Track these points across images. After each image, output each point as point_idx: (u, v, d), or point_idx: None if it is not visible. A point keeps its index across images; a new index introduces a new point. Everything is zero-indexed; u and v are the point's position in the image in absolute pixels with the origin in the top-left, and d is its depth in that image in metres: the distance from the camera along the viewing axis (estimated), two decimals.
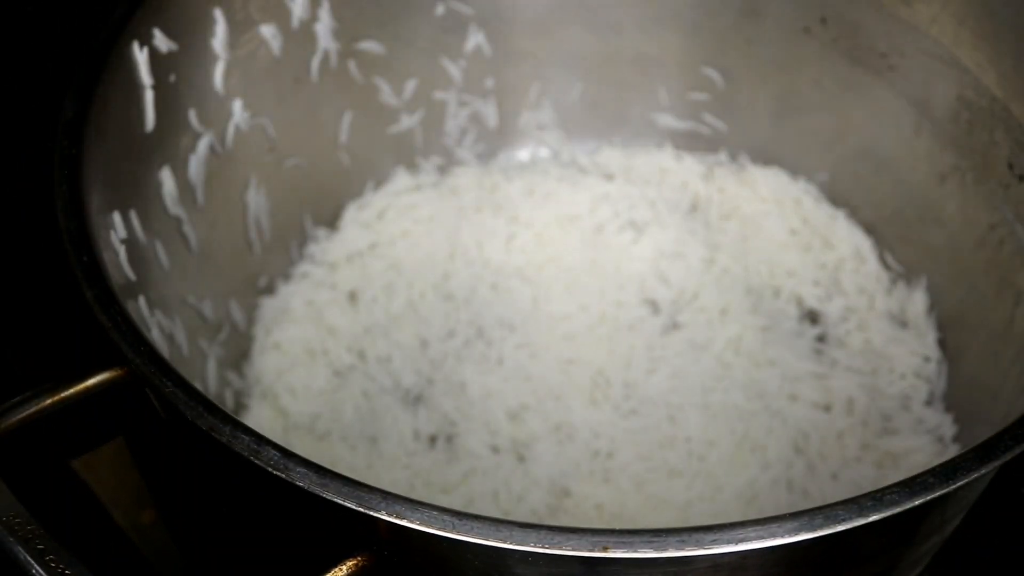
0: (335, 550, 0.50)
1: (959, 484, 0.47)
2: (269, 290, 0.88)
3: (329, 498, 0.47)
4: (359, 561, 0.49)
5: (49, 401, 0.55)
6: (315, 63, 0.84)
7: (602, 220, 0.90)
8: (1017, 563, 0.75)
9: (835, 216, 0.91)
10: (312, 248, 0.90)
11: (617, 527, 0.48)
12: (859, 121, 0.87)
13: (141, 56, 0.69)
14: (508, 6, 0.89)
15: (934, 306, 0.85)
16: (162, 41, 0.70)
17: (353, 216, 0.92)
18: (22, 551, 0.49)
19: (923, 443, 0.78)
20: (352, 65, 0.86)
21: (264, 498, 0.53)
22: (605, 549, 0.45)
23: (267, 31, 0.79)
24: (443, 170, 0.95)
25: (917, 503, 0.47)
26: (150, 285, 0.69)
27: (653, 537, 0.45)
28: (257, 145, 0.82)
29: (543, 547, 0.45)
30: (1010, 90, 0.74)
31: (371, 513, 0.46)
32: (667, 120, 0.95)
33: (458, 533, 0.46)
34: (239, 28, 0.77)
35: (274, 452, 0.49)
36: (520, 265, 0.88)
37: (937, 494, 0.47)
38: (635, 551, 0.45)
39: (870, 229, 0.90)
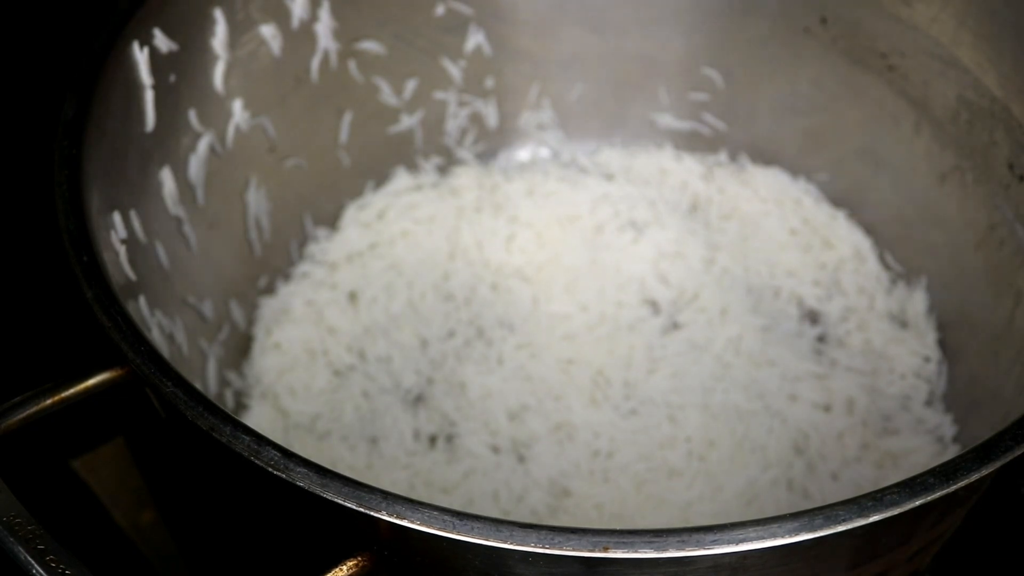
0: (335, 550, 0.50)
1: (959, 484, 0.47)
2: (269, 290, 0.88)
3: (329, 498, 0.47)
4: (359, 561, 0.49)
5: (49, 401, 0.54)
6: (315, 63, 0.84)
7: (602, 220, 0.90)
8: (1017, 563, 0.75)
9: (835, 216, 0.91)
10: (312, 248, 0.90)
11: (617, 527, 0.48)
12: (859, 121, 0.87)
13: (141, 56, 0.69)
14: (508, 6, 0.89)
15: (934, 306, 0.85)
16: (162, 41, 0.70)
17: (353, 216, 0.92)
18: (22, 551, 0.49)
19: (923, 443, 0.78)
20: (352, 65, 0.86)
21: (264, 498, 0.53)
22: (605, 549, 0.45)
23: (267, 31, 0.79)
24: (443, 170, 0.95)
25: (917, 503, 0.47)
26: (150, 285, 0.69)
27: (653, 537, 0.45)
28: (257, 145, 0.82)
29: (543, 547, 0.45)
30: (1010, 90, 0.74)
31: (371, 513, 0.46)
32: (667, 120, 0.95)
33: (458, 533, 0.46)
34: (239, 28, 0.77)
35: (274, 452, 0.49)
36: (520, 265, 0.88)
37: (937, 494, 0.47)
38: (635, 551, 0.45)
39: (870, 229, 0.90)
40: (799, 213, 0.91)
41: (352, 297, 0.88)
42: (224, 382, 0.81)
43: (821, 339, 0.86)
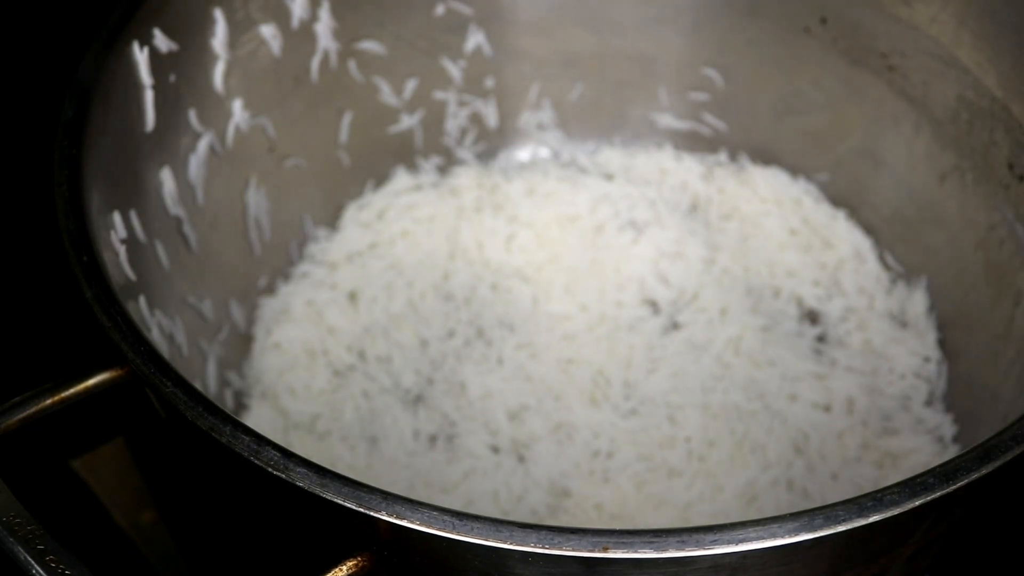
0: (335, 550, 0.50)
1: (959, 484, 0.47)
2: (269, 290, 0.88)
3: (329, 498, 0.47)
4: (359, 561, 0.49)
5: (49, 401, 0.55)
6: (315, 63, 0.84)
7: (602, 220, 0.90)
8: (1017, 563, 0.75)
9: (835, 216, 0.91)
10: (312, 248, 0.90)
11: (617, 527, 0.48)
12: (859, 121, 0.87)
13: (141, 56, 0.69)
14: (508, 6, 0.89)
15: (934, 306, 0.85)
16: (162, 41, 0.70)
17: (353, 216, 0.92)
18: (22, 551, 0.49)
19: (923, 443, 0.78)
20: (352, 65, 0.86)
21: (264, 498, 0.53)
22: (605, 549, 0.45)
23: (267, 31, 0.79)
24: (443, 170, 0.95)
25: (917, 503, 0.47)
26: (150, 285, 0.69)
27: (653, 537, 0.45)
28: (257, 145, 0.82)
29: (543, 547, 0.45)
30: (1010, 90, 0.74)
31: (371, 513, 0.46)
32: (667, 120, 0.95)
33: (458, 533, 0.46)
34: (239, 28, 0.77)
35: (274, 452, 0.49)
36: (520, 265, 0.88)
37: (937, 494, 0.47)
38: (635, 551, 0.45)
39: (870, 229, 0.90)
40: (799, 213, 0.91)
41: (352, 297, 0.88)
42: (224, 382, 0.81)
43: (821, 339, 0.86)
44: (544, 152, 0.98)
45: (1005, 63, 0.74)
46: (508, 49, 0.91)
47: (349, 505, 0.47)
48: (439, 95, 0.92)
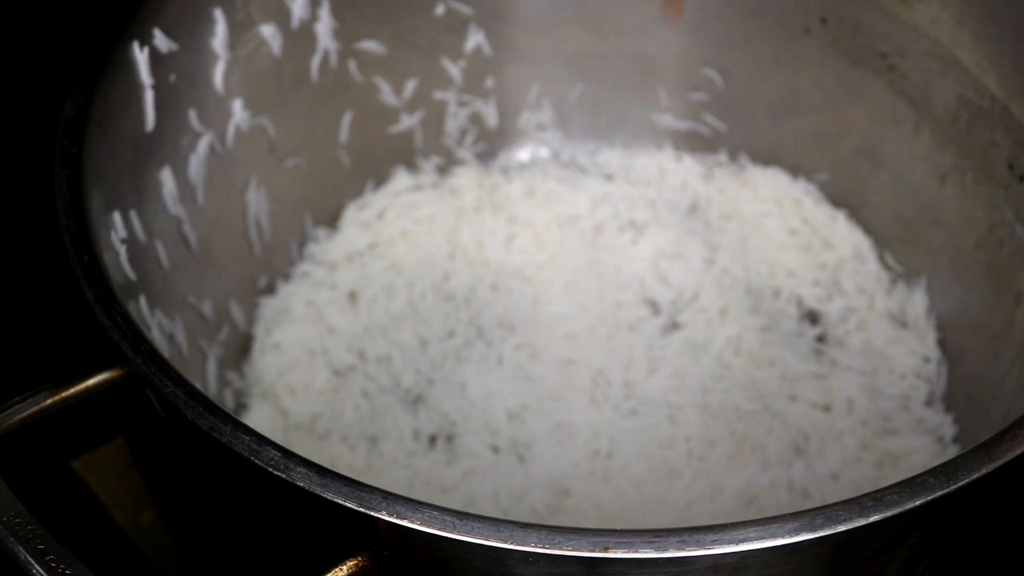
0: (335, 550, 0.50)
1: (959, 484, 0.47)
2: (269, 290, 0.88)
3: (329, 498, 0.47)
4: (359, 561, 0.49)
5: (49, 401, 0.54)
6: (315, 63, 0.84)
7: (602, 220, 0.90)
8: (1017, 563, 0.75)
9: (835, 216, 0.91)
10: (312, 248, 0.90)
11: (617, 527, 0.48)
12: (859, 121, 0.87)
13: (141, 56, 0.69)
14: (508, 6, 0.89)
15: (934, 306, 0.85)
16: (162, 41, 0.70)
17: (353, 216, 0.92)
18: (22, 551, 0.49)
19: (923, 443, 0.78)
20: (352, 65, 0.86)
21: (264, 498, 0.53)
22: (605, 549, 0.45)
23: (267, 31, 0.79)
24: (443, 170, 0.95)
25: (917, 503, 0.47)
26: (150, 285, 0.69)
27: (654, 537, 0.45)
28: (257, 145, 0.82)
29: (543, 547, 0.45)
30: (1010, 90, 0.74)
31: (371, 513, 0.46)
32: (667, 120, 0.95)
33: (459, 533, 0.46)
34: (239, 28, 0.77)
35: (274, 452, 0.49)
36: (520, 265, 0.88)
37: (937, 494, 0.47)
38: (636, 551, 0.45)
39: (870, 229, 0.90)
40: (799, 213, 0.91)
41: (352, 297, 0.88)
42: (224, 382, 0.81)
43: (821, 339, 0.86)
44: (544, 152, 0.98)
45: (1005, 63, 0.74)
46: (508, 49, 0.91)
47: (349, 505, 0.47)
48: (439, 95, 0.92)
